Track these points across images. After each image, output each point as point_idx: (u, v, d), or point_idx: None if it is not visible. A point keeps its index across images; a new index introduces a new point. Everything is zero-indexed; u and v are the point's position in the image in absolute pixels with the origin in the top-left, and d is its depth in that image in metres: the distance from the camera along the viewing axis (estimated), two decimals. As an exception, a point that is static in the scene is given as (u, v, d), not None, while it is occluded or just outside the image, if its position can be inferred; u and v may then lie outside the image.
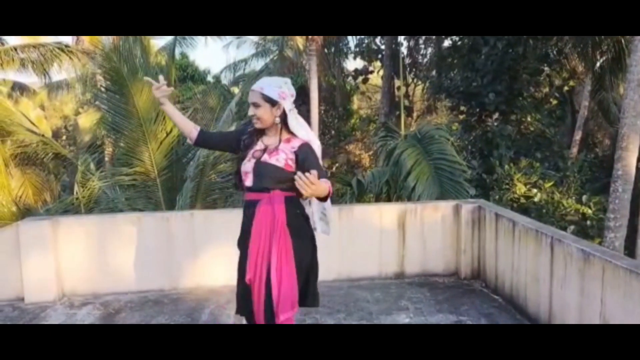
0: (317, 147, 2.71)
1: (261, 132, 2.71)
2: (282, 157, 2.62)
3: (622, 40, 12.62)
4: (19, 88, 19.10)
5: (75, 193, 7.76)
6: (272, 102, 2.61)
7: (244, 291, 2.66)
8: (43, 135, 10.20)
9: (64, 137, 22.74)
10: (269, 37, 21.32)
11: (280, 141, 2.66)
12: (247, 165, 2.67)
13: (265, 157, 2.63)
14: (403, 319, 4.19)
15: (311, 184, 2.18)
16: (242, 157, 2.73)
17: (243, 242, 2.70)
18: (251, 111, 2.63)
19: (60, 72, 12.83)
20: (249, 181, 2.67)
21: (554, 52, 13.75)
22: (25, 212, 9.20)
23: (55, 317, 4.34)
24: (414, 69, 18.40)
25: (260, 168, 2.62)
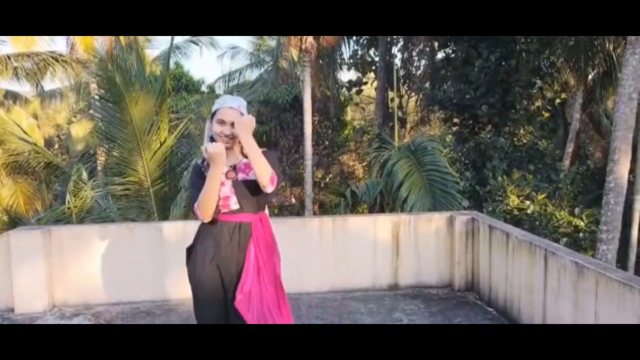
0: None
1: None
2: None
3: (614, 55, 12.77)
4: (12, 96, 19.03)
5: (67, 202, 7.69)
6: None
7: (220, 309, 2.54)
8: (35, 144, 10.17)
9: (57, 146, 22.65)
10: (264, 48, 21.39)
11: (244, 155, 2.57)
12: (224, 190, 2.53)
13: (242, 176, 2.54)
14: (397, 331, 4.17)
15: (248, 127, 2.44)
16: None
17: (230, 259, 2.56)
18: (227, 130, 2.50)
19: (54, 81, 12.79)
20: (233, 204, 2.54)
21: (546, 65, 13.88)
22: (16, 222, 9.13)
23: (45, 328, 4.29)
24: (407, 81, 18.50)
25: (243, 188, 2.53)
